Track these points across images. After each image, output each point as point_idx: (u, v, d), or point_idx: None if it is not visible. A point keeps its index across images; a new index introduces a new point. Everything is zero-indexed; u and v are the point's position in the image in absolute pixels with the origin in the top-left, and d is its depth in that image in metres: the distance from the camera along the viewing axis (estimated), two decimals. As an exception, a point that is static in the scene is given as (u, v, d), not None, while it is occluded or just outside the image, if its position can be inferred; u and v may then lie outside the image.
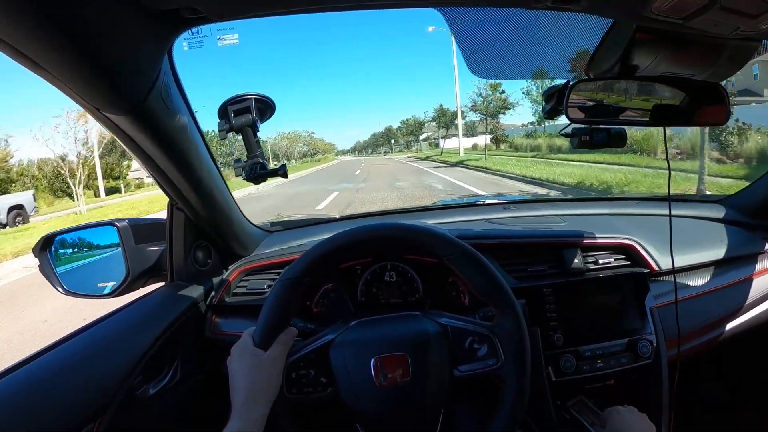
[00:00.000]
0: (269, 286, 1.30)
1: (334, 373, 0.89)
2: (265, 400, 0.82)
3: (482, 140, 33.16)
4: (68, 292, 1.19)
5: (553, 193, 10.15)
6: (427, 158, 35.28)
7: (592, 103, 0.99)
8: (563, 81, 1.00)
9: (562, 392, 1.20)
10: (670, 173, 1.14)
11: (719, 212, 1.60)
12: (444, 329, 0.91)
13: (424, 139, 69.76)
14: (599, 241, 1.32)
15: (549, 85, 1.04)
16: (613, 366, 1.19)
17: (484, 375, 0.88)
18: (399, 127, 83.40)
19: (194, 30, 0.82)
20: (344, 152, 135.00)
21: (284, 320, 0.90)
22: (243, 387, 0.82)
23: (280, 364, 0.86)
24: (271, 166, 1.08)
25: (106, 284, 1.21)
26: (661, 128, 1.09)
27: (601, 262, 1.30)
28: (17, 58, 0.63)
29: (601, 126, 1.07)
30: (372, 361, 0.87)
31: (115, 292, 1.19)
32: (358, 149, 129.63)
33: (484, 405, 1.05)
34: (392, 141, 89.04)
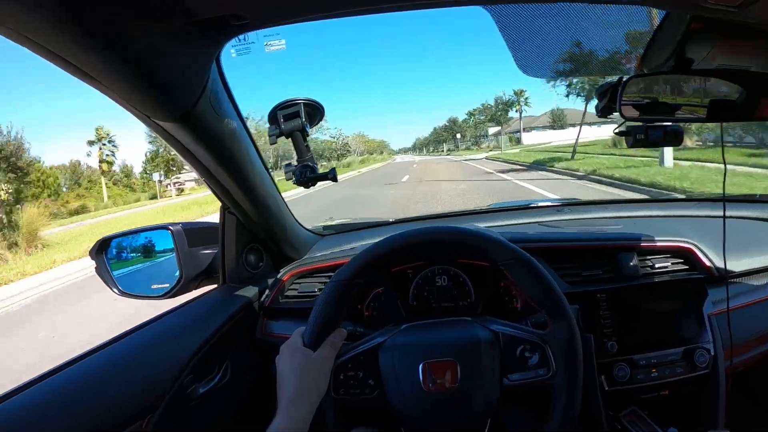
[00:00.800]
0: (320, 289, 1.31)
1: (381, 376, 0.89)
2: (312, 399, 0.83)
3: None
4: (123, 293, 1.24)
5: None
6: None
7: (646, 100, 0.96)
8: (615, 78, 0.98)
9: (615, 402, 1.16)
10: (726, 172, 1.10)
11: None
12: (495, 336, 0.90)
13: (495, 134, 60.86)
14: (656, 244, 1.27)
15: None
16: (669, 375, 1.14)
17: (535, 385, 0.87)
18: (465, 119, 74.50)
19: (241, 37, 0.83)
20: (405, 150, 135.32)
21: (334, 321, 0.91)
22: (290, 385, 0.83)
23: (328, 364, 0.87)
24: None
25: (160, 286, 1.25)
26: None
27: (657, 266, 1.25)
28: (70, 70, 0.65)
29: (656, 123, 1.03)
30: (421, 365, 0.87)
31: (169, 294, 1.22)
32: (417, 146, 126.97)
33: (533, 415, 1.03)
34: (458, 136, 79.66)
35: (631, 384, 1.13)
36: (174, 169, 49.41)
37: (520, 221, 1.63)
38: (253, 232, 1.28)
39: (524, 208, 1.81)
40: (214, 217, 1.28)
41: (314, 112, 1.07)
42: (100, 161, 52.69)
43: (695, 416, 1.18)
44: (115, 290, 1.24)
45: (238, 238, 1.24)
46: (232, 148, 1.01)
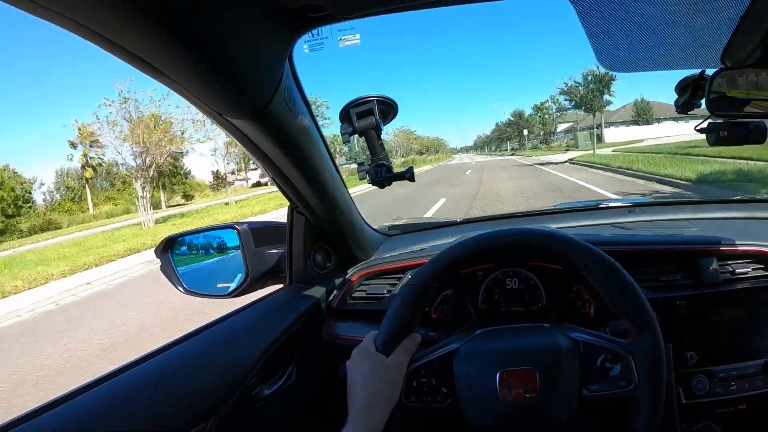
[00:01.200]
0: (389, 291, 1.29)
1: (456, 384, 0.86)
2: (384, 407, 0.81)
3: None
4: (188, 292, 1.25)
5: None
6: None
7: (731, 95, 0.92)
8: (696, 71, 0.94)
9: (689, 416, 1.11)
10: None
11: None
12: (575, 344, 0.86)
13: (566, 130, 54.51)
14: (736, 248, 1.20)
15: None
16: (748, 389, 1.08)
17: (615, 397, 0.83)
18: (531, 114, 65.26)
19: (314, 32, 0.82)
20: (467, 149, 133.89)
21: (409, 326, 0.89)
22: (362, 392, 0.81)
23: (402, 370, 0.85)
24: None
25: (225, 285, 1.26)
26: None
27: (738, 272, 1.17)
28: (140, 67, 0.64)
29: (739, 120, 0.99)
30: (498, 374, 0.84)
31: (235, 293, 1.23)
32: (479, 145, 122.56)
33: (611, 428, 0.99)
34: (525, 132, 69.07)
35: (710, 397, 1.08)
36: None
37: (591, 222, 1.58)
38: (321, 231, 1.28)
39: (594, 209, 1.75)
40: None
41: (388, 109, 1.05)
42: (83, 166, 47.25)
43: None
44: (180, 288, 1.26)
45: (305, 238, 1.24)
46: (304, 146, 1.00)
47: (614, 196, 8.81)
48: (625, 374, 0.82)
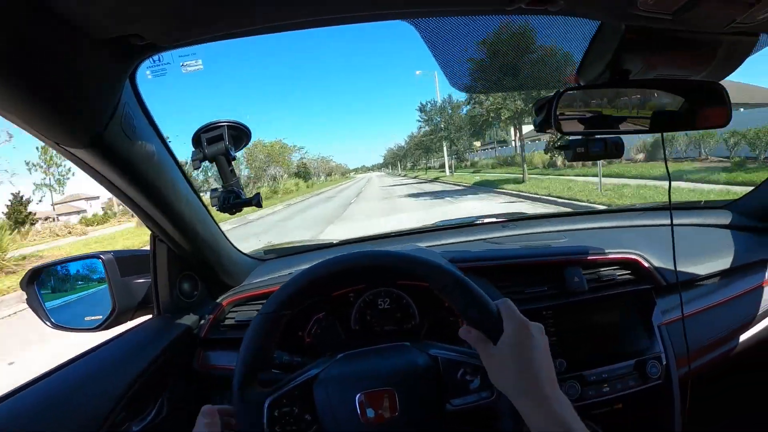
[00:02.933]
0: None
1: (318, 410, 0.84)
2: None
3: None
4: (56, 326, 1.18)
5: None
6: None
7: (584, 113, 0.94)
8: (553, 92, 0.96)
9: None
10: (670, 181, 1.09)
11: (726, 218, 1.54)
12: (434, 361, 0.86)
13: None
14: (601, 257, 1.26)
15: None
16: (621, 389, 1.13)
17: (479, 408, 0.82)
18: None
19: (155, 58, 0.80)
20: (378, 166, 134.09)
21: (265, 358, 0.86)
22: None
23: None
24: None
25: (93, 318, 1.19)
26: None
27: (604, 279, 1.24)
28: None
29: (597, 137, 1.01)
30: (357, 396, 0.82)
31: (102, 326, 1.16)
32: (389, 161, 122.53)
33: None
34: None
35: (583, 401, 1.11)
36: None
37: (465, 239, 1.60)
38: (186, 260, 1.23)
39: (469, 225, 1.79)
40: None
41: (240, 134, 1.02)
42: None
43: (650, 427, 1.17)
44: (47, 323, 1.18)
45: (170, 267, 1.19)
46: (153, 174, 0.96)
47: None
48: (485, 385, 0.81)
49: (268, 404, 0.83)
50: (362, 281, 1.20)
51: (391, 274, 0.97)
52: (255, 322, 0.86)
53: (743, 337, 1.28)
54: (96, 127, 0.77)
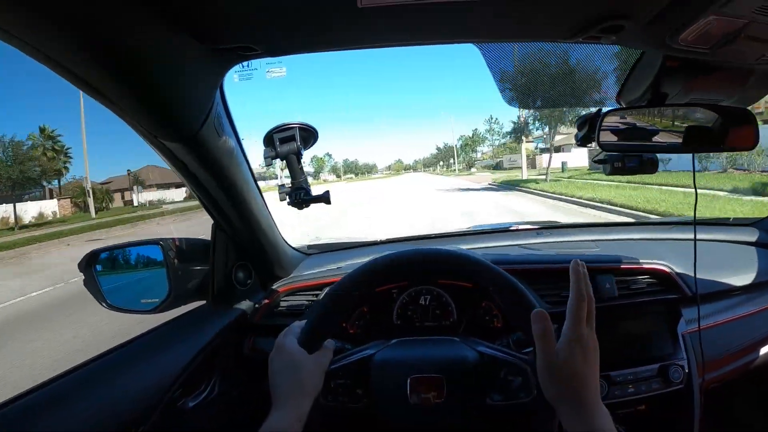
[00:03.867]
0: (307, 307, 1.34)
1: (370, 387, 0.92)
2: (310, 395, 0.85)
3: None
4: (112, 307, 1.22)
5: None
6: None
7: (623, 131, 1.02)
8: (595, 109, 1.03)
9: None
10: (696, 197, 1.16)
11: (753, 235, 1.60)
12: (482, 357, 0.93)
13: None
14: (632, 266, 1.32)
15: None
16: (645, 391, 1.19)
17: (516, 407, 0.89)
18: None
19: (245, 63, 0.87)
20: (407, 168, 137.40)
21: (326, 330, 0.94)
22: (289, 381, 0.85)
23: (323, 367, 0.90)
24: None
25: (149, 301, 1.24)
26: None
27: (633, 287, 1.30)
28: (87, 91, 0.69)
29: (633, 153, 1.09)
30: (408, 379, 0.89)
31: (158, 309, 1.21)
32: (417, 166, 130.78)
33: None
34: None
35: (609, 399, 1.17)
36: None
37: (501, 243, 1.67)
38: (243, 249, 1.30)
39: (504, 231, 1.86)
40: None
41: (309, 135, 1.10)
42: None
43: (672, 430, 1.23)
44: (103, 304, 1.22)
45: (228, 255, 1.26)
46: (231, 170, 1.04)
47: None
48: (525, 386, 0.88)
49: (326, 374, 0.90)
50: (413, 277, 1.28)
51: (452, 271, 1.03)
52: (325, 299, 0.94)
53: (764, 351, 1.33)
54: (195, 125, 0.85)
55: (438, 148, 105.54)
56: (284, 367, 0.87)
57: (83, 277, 1.25)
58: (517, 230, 1.87)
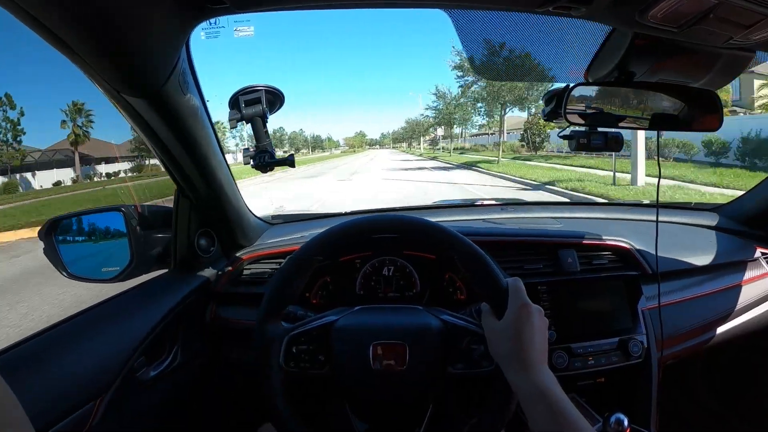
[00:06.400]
0: (270, 276, 1.33)
1: (332, 353, 0.91)
2: None
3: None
4: (72, 276, 1.19)
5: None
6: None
7: (590, 107, 1.02)
8: (563, 84, 1.03)
9: None
10: (660, 179, 1.18)
11: (713, 220, 1.64)
12: (444, 325, 0.93)
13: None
14: (594, 242, 1.35)
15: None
16: (605, 364, 1.21)
17: (478, 376, 0.90)
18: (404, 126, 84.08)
19: (212, 20, 0.85)
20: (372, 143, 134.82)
21: (290, 296, 0.93)
22: None
23: None
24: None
25: (110, 269, 1.22)
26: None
27: (595, 263, 1.32)
28: (46, 36, 0.66)
29: (599, 129, 1.09)
30: (371, 346, 0.89)
31: (119, 277, 1.19)
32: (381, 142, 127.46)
33: (474, 403, 1.07)
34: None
35: (569, 371, 1.19)
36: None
37: (465, 217, 1.69)
38: (206, 215, 1.28)
39: (469, 206, 1.90)
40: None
41: (275, 99, 1.09)
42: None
43: (630, 402, 1.26)
44: (63, 273, 1.20)
45: (190, 222, 1.24)
46: (195, 130, 1.02)
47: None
48: (486, 355, 0.89)
49: (287, 339, 0.90)
50: (377, 247, 1.28)
51: (415, 240, 1.03)
52: (288, 262, 0.93)
53: (719, 330, 1.38)
54: (158, 80, 0.83)
55: (407, 121, 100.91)
56: None
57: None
58: (482, 205, 1.90)
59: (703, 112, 1.05)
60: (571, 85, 0.98)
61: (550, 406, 0.73)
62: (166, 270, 1.27)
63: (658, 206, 1.32)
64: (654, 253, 1.28)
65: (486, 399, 0.89)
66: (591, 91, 1.03)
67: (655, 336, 1.26)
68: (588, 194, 9.96)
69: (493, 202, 1.92)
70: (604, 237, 1.36)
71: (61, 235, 1.24)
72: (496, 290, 0.87)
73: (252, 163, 1.10)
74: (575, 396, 1.22)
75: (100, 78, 0.79)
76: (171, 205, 1.24)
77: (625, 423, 1.01)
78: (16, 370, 0.83)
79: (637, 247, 1.35)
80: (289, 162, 1.11)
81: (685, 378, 1.56)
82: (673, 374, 1.36)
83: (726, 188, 9.85)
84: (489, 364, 0.88)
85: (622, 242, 1.35)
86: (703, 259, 1.43)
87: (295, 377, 0.91)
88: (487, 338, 0.86)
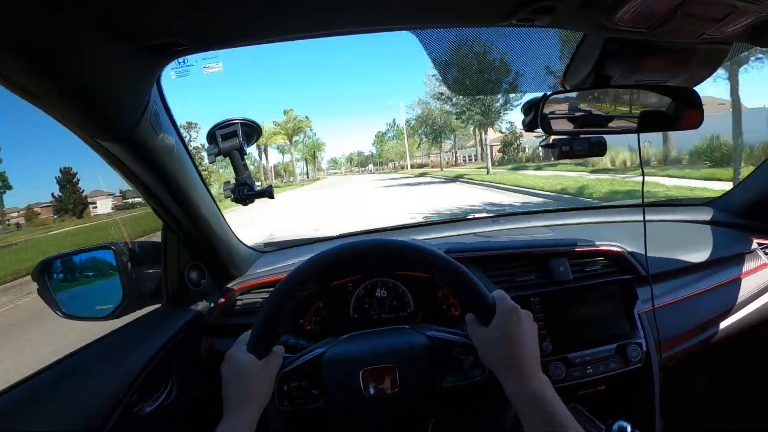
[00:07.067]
0: (261, 305, 1.31)
1: (324, 385, 0.91)
2: (259, 403, 0.85)
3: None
4: (67, 315, 1.20)
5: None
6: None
7: (569, 114, 1.02)
8: (541, 93, 1.03)
9: None
10: (644, 180, 1.17)
11: (707, 214, 1.63)
12: (431, 341, 0.93)
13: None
14: (586, 248, 1.34)
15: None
16: (603, 371, 1.20)
17: (471, 385, 0.90)
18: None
19: (181, 60, 0.86)
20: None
21: (278, 329, 0.92)
22: (237, 389, 0.84)
23: (273, 372, 0.89)
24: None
25: (104, 307, 1.22)
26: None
27: (587, 269, 1.32)
28: (16, 91, 0.67)
29: (581, 136, 1.09)
30: (360, 372, 0.89)
31: (113, 315, 1.19)
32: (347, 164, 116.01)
33: (473, 414, 1.06)
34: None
35: (567, 381, 1.18)
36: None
37: (457, 232, 1.69)
38: (195, 250, 1.28)
39: (461, 221, 1.89)
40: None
41: (251, 131, 1.09)
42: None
43: (633, 408, 1.25)
44: (58, 312, 1.20)
45: (180, 256, 1.24)
46: (173, 167, 1.03)
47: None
48: (477, 364, 0.89)
49: (277, 379, 0.89)
50: (365, 270, 1.28)
51: (398, 263, 1.03)
52: (271, 296, 0.92)
53: (721, 326, 1.36)
54: (129, 123, 0.84)
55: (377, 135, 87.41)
56: (231, 376, 0.86)
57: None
58: (473, 218, 1.89)
59: (684, 109, 1.04)
60: (547, 93, 0.98)
61: (546, 414, 0.73)
62: (159, 305, 1.27)
63: (644, 206, 1.31)
64: (653, 253, 1.28)
65: (483, 407, 0.90)
66: (569, 97, 1.03)
67: (654, 338, 1.24)
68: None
69: (485, 215, 1.92)
70: (595, 242, 1.35)
71: (53, 275, 1.25)
72: (479, 298, 0.86)
73: (232, 196, 1.10)
74: (576, 405, 1.20)
75: (70, 124, 0.80)
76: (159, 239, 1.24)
77: (629, 429, 1.00)
78: (10, 413, 0.83)
79: (629, 250, 1.34)
80: (268, 193, 1.11)
81: (687, 377, 1.54)
82: (675, 375, 1.34)
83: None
84: (481, 372, 0.89)
85: (614, 246, 1.34)
86: (698, 256, 1.42)
87: (291, 415, 0.91)
88: (476, 347, 0.86)
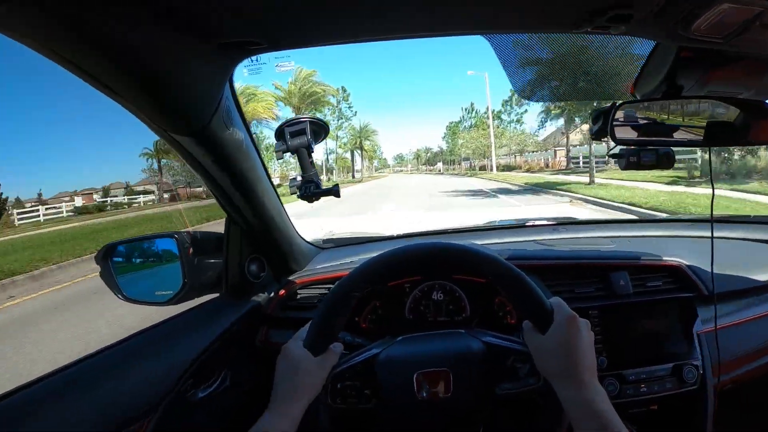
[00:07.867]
0: (319, 300, 1.34)
1: (378, 386, 0.92)
2: (306, 399, 0.86)
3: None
4: (127, 299, 1.24)
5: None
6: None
7: (639, 124, 1.00)
8: (610, 102, 1.02)
9: None
10: (713, 194, 1.14)
11: None
12: (487, 347, 0.93)
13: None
14: (647, 263, 1.31)
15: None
16: (657, 391, 1.17)
17: (525, 394, 0.89)
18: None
19: (254, 58, 0.88)
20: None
21: (335, 328, 0.93)
22: (287, 383, 0.86)
23: (326, 370, 0.90)
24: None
25: (164, 293, 1.26)
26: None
27: (648, 284, 1.28)
28: (99, 87, 0.72)
29: (649, 147, 1.07)
30: (415, 375, 0.89)
31: (172, 301, 1.22)
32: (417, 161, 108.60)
33: (525, 422, 1.05)
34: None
35: (621, 398, 1.16)
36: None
37: (517, 239, 1.67)
38: (257, 242, 1.31)
39: (521, 227, 1.86)
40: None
41: (319, 130, 1.11)
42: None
43: (684, 430, 1.21)
44: (119, 295, 1.24)
45: (241, 249, 1.27)
46: (241, 162, 1.06)
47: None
48: (533, 372, 0.88)
49: (331, 377, 0.91)
50: (425, 272, 1.28)
51: (457, 266, 1.03)
52: (330, 296, 0.94)
53: None
54: (203, 118, 0.87)
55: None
56: (284, 370, 0.88)
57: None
58: (533, 225, 1.86)
59: (756, 123, 1.01)
60: (617, 102, 0.97)
61: (601, 426, 0.74)
62: (218, 294, 1.31)
63: (712, 221, 1.27)
64: (716, 271, 1.23)
65: (536, 416, 0.89)
66: (639, 107, 1.01)
67: (712, 360, 1.21)
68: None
69: (546, 222, 1.89)
70: (658, 257, 1.32)
71: (116, 259, 1.29)
72: (538, 306, 0.86)
73: (298, 193, 1.13)
74: (627, 424, 1.18)
75: (149, 120, 0.84)
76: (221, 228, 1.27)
77: None
78: (68, 392, 0.86)
79: (693, 267, 1.30)
80: (334, 192, 1.13)
81: (744, 404, 1.49)
82: (731, 400, 1.29)
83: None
84: (536, 380, 0.88)
85: (677, 262, 1.30)
86: (765, 276, 1.36)
87: (342, 413, 0.92)
88: (533, 355, 0.86)
